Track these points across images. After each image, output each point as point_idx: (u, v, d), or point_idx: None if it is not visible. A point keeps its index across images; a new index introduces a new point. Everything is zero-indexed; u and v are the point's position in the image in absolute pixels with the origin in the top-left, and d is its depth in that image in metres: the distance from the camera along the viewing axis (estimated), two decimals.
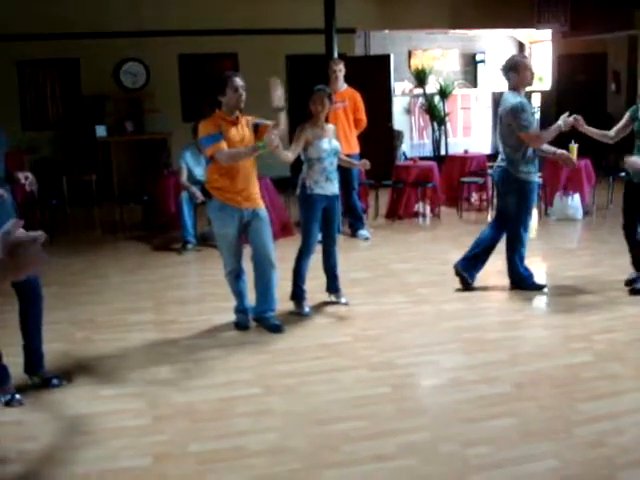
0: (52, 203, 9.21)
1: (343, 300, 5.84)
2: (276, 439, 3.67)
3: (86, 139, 11.56)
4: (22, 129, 11.54)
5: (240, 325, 5.34)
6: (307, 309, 5.65)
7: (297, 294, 5.66)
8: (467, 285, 6.07)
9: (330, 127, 5.69)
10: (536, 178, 5.89)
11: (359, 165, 6.27)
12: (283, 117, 5.06)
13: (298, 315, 5.59)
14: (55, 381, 4.36)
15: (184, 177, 8.03)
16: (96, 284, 6.79)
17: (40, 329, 4.38)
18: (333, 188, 5.62)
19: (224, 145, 4.94)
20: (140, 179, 10.54)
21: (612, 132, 5.92)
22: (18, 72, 11.55)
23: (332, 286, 5.86)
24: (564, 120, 5.72)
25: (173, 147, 11.30)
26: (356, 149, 8.26)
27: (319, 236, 5.72)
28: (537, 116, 13.39)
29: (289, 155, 5.36)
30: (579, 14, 12.58)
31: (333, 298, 5.87)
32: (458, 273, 6.09)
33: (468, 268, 6.08)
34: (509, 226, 6.01)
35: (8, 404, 4.09)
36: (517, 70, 5.68)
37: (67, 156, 11.65)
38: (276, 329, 5.24)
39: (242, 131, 5.09)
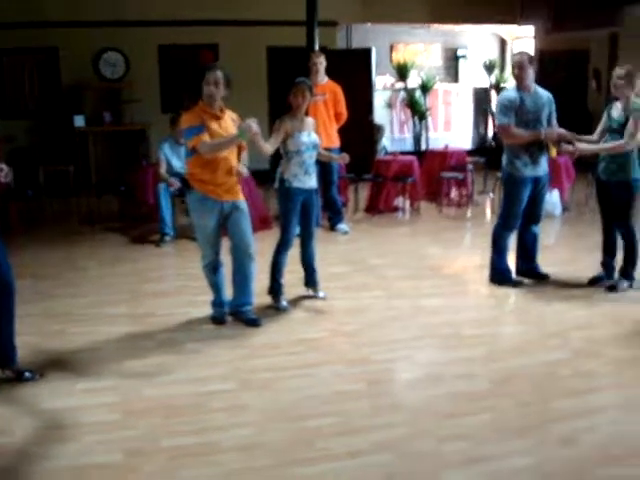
0: (28, 194, 9.08)
1: (321, 294, 5.81)
2: (250, 435, 3.65)
3: (64, 129, 11.43)
4: None
5: (217, 319, 5.30)
6: (284, 303, 5.62)
7: (275, 288, 5.62)
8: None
9: (309, 120, 5.64)
10: (526, 173, 5.81)
11: (338, 159, 6.22)
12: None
13: (275, 309, 5.55)
14: (28, 375, 4.31)
15: (163, 169, 7.96)
16: (72, 277, 6.71)
17: (12, 322, 4.30)
18: (311, 182, 5.58)
19: (206, 137, 4.88)
20: (118, 170, 10.44)
21: (595, 136, 5.92)
22: None
23: (310, 280, 5.84)
24: (546, 131, 5.74)
25: (152, 138, 11.20)
26: (336, 142, 8.22)
27: (297, 230, 5.68)
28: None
29: (267, 147, 5.31)
30: (562, 11, 12.58)
31: (311, 292, 5.84)
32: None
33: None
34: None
35: None
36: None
37: (44, 146, 11.51)
38: (253, 323, 5.21)
39: (225, 125, 5.03)
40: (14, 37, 11.19)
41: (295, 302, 5.73)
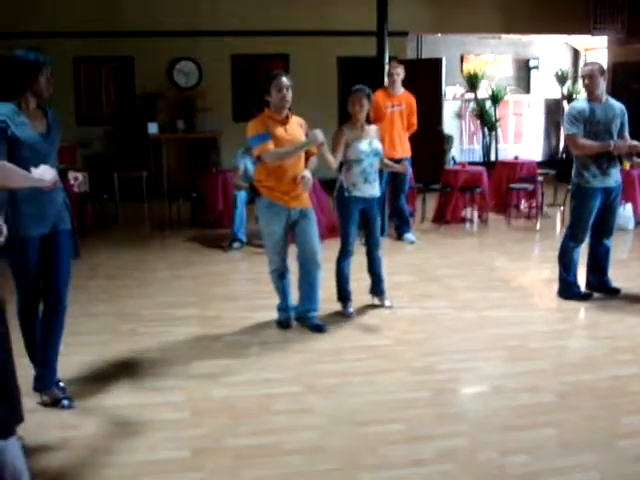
0: (103, 198, 9.37)
1: (387, 303, 5.82)
2: (313, 438, 3.68)
3: (138, 136, 11.74)
4: (77, 124, 11.77)
5: (282, 324, 5.36)
6: (350, 310, 5.65)
7: (342, 295, 5.66)
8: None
9: (372, 128, 5.61)
10: (595, 184, 5.71)
11: (398, 168, 6.11)
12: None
13: (341, 316, 5.59)
14: (65, 402, 4.02)
15: (239, 176, 8.04)
16: (143, 278, 6.88)
17: (59, 343, 4.08)
18: (372, 190, 5.55)
19: (271, 145, 4.95)
20: (190, 177, 10.66)
21: None
22: (74, 68, 11.78)
23: (376, 289, 5.84)
24: (616, 142, 5.63)
25: (223, 146, 11.42)
26: (409, 152, 8.24)
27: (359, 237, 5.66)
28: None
29: (332, 160, 5.31)
30: (636, 20, 12.32)
31: (377, 301, 5.85)
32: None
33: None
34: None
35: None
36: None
37: (119, 152, 11.86)
38: (318, 329, 5.25)
39: (292, 130, 5.08)
40: (91, 46, 11.59)
41: (361, 310, 5.74)
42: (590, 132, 5.64)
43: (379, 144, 5.59)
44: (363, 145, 5.46)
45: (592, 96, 5.67)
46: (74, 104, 11.89)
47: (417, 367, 4.61)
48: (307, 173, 5.04)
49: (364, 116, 5.50)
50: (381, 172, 5.94)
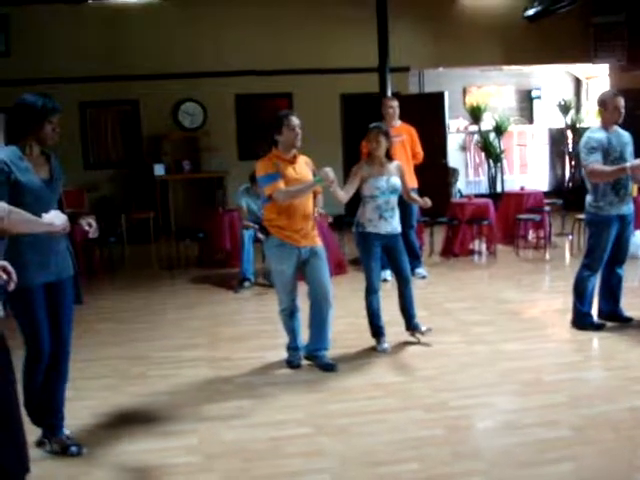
0: (110, 241, 9.38)
1: (424, 328, 5.72)
2: None
3: (145, 178, 11.81)
4: (84, 168, 11.85)
5: (292, 363, 5.31)
6: (385, 345, 5.60)
7: (374, 331, 5.63)
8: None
9: (393, 165, 5.63)
10: (612, 212, 5.67)
11: (420, 203, 6.03)
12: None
13: (351, 354, 5.53)
14: (74, 449, 3.98)
15: (245, 216, 8.11)
16: (152, 320, 6.86)
17: (64, 388, 4.05)
18: (388, 227, 5.55)
19: (282, 184, 4.96)
20: (196, 216, 10.70)
21: None
22: (80, 112, 11.90)
23: (410, 325, 5.75)
24: (632, 164, 5.60)
25: (229, 185, 11.47)
26: (415, 183, 8.21)
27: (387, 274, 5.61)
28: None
29: (343, 195, 5.33)
30: (637, 47, 12.38)
31: (417, 336, 5.76)
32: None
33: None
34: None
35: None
36: (605, 107, 5.69)
37: (126, 194, 11.92)
38: (329, 368, 5.20)
39: (300, 169, 5.11)
40: (97, 90, 11.70)
41: (372, 347, 5.66)
42: (607, 161, 5.60)
43: (398, 181, 5.59)
44: (380, 182, 5.47)
45: (609, 125, 5.67)
46: (81, 148, 11.98)
47: (431, 404, 4.54)
48: (321, 210, 5.27)
49: (382, 153, 5.54)
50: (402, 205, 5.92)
